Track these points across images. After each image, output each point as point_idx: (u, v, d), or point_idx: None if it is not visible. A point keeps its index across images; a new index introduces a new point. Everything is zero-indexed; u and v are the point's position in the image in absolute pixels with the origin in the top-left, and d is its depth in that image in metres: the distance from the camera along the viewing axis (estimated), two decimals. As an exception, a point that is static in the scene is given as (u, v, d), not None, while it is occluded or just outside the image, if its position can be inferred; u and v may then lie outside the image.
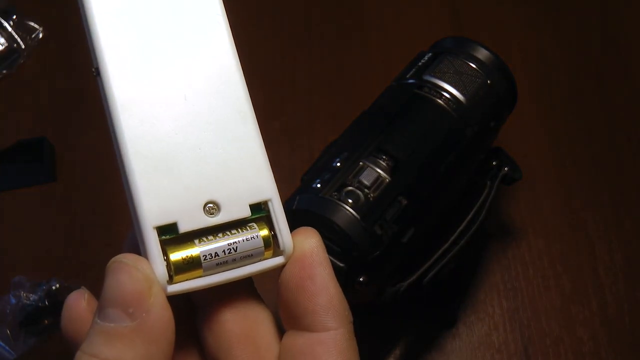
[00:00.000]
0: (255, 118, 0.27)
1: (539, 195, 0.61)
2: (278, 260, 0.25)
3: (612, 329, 0.55)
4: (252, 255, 0.25)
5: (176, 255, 0.23)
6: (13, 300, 0.55)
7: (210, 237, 0.24)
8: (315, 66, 0.68)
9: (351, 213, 0.42)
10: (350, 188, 0.43)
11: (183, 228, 0.24)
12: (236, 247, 0.24)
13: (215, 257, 0.24)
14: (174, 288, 0.23)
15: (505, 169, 0.51)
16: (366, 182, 0.43)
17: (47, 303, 0.55)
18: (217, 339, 0.26)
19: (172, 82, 0.25)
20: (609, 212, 0.60)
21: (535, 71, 0.67)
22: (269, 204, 0.25)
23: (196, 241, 0.24)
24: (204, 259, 0.24)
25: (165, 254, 0.23)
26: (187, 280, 0.24)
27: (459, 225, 0.49)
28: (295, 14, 0.71)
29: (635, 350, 0.55)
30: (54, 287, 0.55)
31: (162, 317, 0.23)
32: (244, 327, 0.26)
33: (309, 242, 0.25)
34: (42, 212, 0.62)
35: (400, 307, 0.53)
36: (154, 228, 0.23)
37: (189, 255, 0.24)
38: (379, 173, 0.44)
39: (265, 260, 0.25)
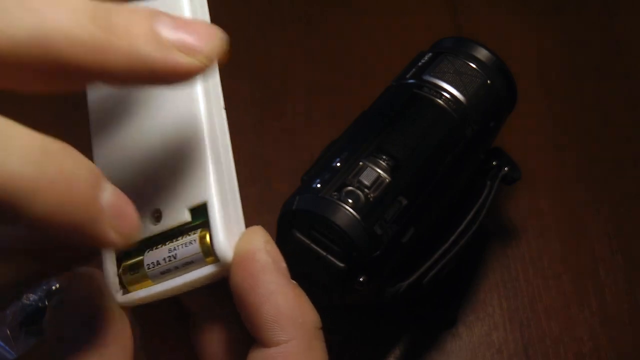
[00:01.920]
0: (207, 128, 0.26)
1: (539, 195, 0.61)
2: (212, 268, 0.23)
3: (612, 329, 0.55)
4: (192, 262, 0.23)
5: (126, 266, 0.24)
6: (13, 300, 0.55)
7: (156, 246, 0.24)
8: (316, 66, 0.68)
9: (351, 213, 0.42)
10: (350, 188, 0.43)
11: None
12: (176, 254, 0.23)
13: (157, 265, 0.23)
14: (124, 298, 0.24)
15: (505, 169, 0.51)
16: (366, 182, 0.43)
17: (47, 303, 0.55)
18: (201, 351, 0.25)
19: (139, 129, 0.26)
20: (609, 212, 0.60)
21: (535, 71, 0.67)
22: (207, 206, 0.24)
23: (146, 251, 0.24)
24: (148, 268, 0.24)
25: (119, 266, 0.24)
26: (139, 290, 0.24)
27: (459, 225, 0.49)
28: (295, 14, 0.71)
29: (635, 350, 0.55)
30: (54, 287, 0.55)
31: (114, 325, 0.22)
32: (225, 339, 0.25)
33: (250, 245, 0.23)
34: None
35: (400, 307, 0.53)
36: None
37: (135, 263, 0.24)
38: (379, 173, 0.44)
39: (205, 268, 0.23)
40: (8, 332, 0.54)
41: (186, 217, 0.24)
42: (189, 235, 0.24)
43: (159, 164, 0.25)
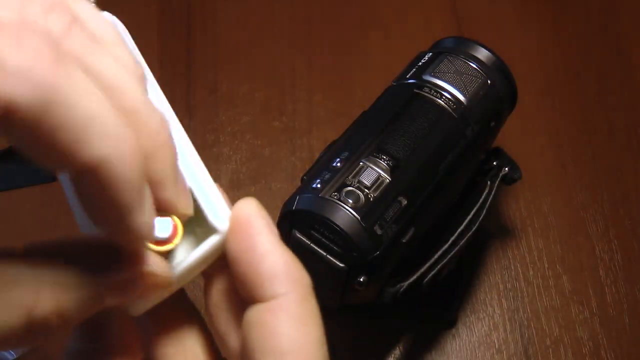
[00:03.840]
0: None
1: (539, 195, 0.61)
2: (212, 240, 0.24)
3: (612, 329, 0.55)
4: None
5: None
6: (13, 300, 0.55)
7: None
8: (316, 66, 0.68)
9: (351, 213, 0.42)
10: (350, 188, 0.43)
11: None
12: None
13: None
14: None
15: (505, 169, 0.51)
16: (366, 182, 0.43)
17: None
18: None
19: None
20: (609, 212, 0.60)
21: (535, 71, 0.67)
22: (192, 193, 0.25)
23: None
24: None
25: None
26: None
27: (459, 225, 0.49)
28: (295, 13, 0.71)
29: (635, 350, 0.55)
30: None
31: None
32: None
33: (244, 212, 0.24)
34: (42, 212, 0.62)
35: (400, 307, 0.53)
36: None
37: None
38: (379, 173, 0.44)
39: (206, 241, 0.24)
40: (8, 332, 0.54)
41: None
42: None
43: None
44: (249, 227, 0.24)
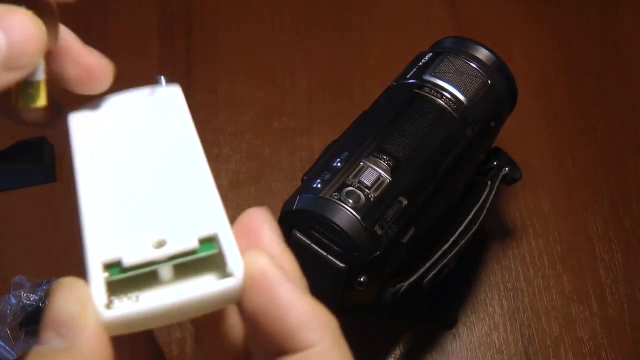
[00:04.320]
0: (205, 158, 0.26)
1: (539, 195, 0.61)
2: (230, 281, 0.23)
3: (612, 329, 0.55)
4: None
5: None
6: (13, 300, 0.55)
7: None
8: (315, 66, 0.68)
9: (351, 213, 0.42)
10: (350, 188, 0.43)
11: (127, 262, 0.23)
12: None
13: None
14: (111, 314, 0.22)
15: (505, 169, 0.51)
16: (366, 182, 0.43)
17: (47, 303, 0.55)
18: None
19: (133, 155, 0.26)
20: (609, 212, 0.60)
21: (535, 71, 0.67)
22: (218, 237, 0.24)
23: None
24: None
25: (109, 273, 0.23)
26: (130, 303, 0.22)
27: (459, 225, 0.49)
28: (295, 13, 0.71)
29: (635, 350, 0.55)
30: (54, 287, 0.55)
31: (95, 339, 0.21)
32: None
33: (258, 265, 0.23)
34: (42, 212, 0.62)
35: (400, 307, 0.53)
36: (99, 263, 0.23)
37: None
38: (379, 173, 0.44)
39: (217, 282, 0.23)
40: (8, 332, 0.54)
41: (194, 244, 0.23)
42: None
43: (159, 192, 0.25)
44: (265, 280, 0.23)
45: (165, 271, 0.23)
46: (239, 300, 0.23)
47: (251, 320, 0.23)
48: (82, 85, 0.27)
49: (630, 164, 0.63)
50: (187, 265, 0.23)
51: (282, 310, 0.22)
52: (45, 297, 0.55)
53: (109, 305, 0.22)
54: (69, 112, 0.28)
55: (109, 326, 0.22)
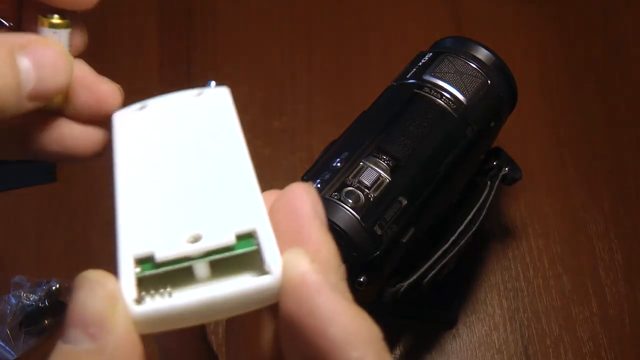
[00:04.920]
0: (249, 156, 0.25)
1: (539, 195, 0.61)
2: (266, 279, 0.21)
3: (612, 329, 0.55)
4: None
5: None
6: (13, 300, 0.55)
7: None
8: (315, 66, 0.68)
9: (351, 213, 0.42)
10: (350, 188, 0.43)
11: (160, 257, 0.22)
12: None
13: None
14: (142, 310, 0.21)
15: (506, 169, 0.51)
16: (366, 182, 0.43)
17: (47, 303, 0.55)
18: None
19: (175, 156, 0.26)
20: (609, 212, 0.60)
21: (535, 71, 0.67)
22: (257, 233, 0.22)
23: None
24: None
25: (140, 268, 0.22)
26: (162, 299, 0.21)
27: (459, 225, 0.49)
28: (295, 13, 0.71)
29: (635, 350, 0.55)
30: (54, 287, 0.55)
31: (126, 338, 0.20)
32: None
33: (298, 270, 0.21)
34: (42, 212, 0.62)
35: (400, 307, 0.53)
36: (131, 256, 0.22)
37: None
38: (379, 173, 0.44)
39: (253, 279, 0.21)
40: (8, 332, 0.54)
41: (231, 239, 0.22)
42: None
43: (199, 189, 0.24)
44: (305, 288, 0.21)
45: (200, 268, 0.22)
46: (276, 300, 0.22)
47: (288, 328, 0.21)
48: (90, 111, 0.28)
49: (630, 164, 0.63)
50: (224, 262, 0.22)
51: (322, 323, 0.21)
52: (45, 297, 0.55)
53: (139, 301, 0.21)
54: (115, 112, 0.28)
55: (139, 323, 0.21)
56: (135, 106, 0.28)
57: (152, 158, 0.25)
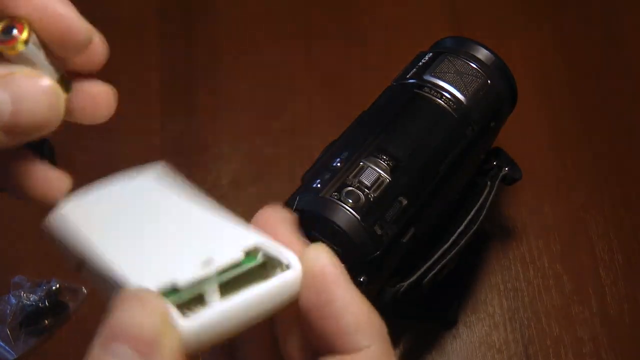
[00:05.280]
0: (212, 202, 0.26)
1: (539, 195, 0.61)
2: (289, 273, 0.23)
3: (612, 329, 0.55)
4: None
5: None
6: (13, 300, 0.55)
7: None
8: (315, 66, 0.68)
9: (351, 213, 0.42)
10: (350, 188, 0.43)
11: (183, 282, 0.22)
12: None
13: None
14: (190, 322, 0.21)
15: (506, 169, 0.51)
16: (366, 182, 0.43)
17: (47, 303, 0.55)
18: None
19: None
20: (609, 212, 0.60)
21: (535, 71, 0.67)
22: (259, 244, 0.24)
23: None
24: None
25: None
26: (205, 310, 0.22)
27: (459, 225, 0.49)
28: (295, 13, 0.71)
29: (635, 350, 0.55)
30: (54, 287, 0.55)
31: (178, 358, 0.21)
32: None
33: (320, 262, 0.24)
34: (42, 212, 0.62)
35: (400, 307, 0.53)
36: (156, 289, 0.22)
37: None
38: (379, 173, 0.44)
39: (278, 276, 0.23)
40: (8, 332, 0.54)
41: (240, 256, 0.24)
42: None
43: (187, 235, 0.25)
44: (326, 277, 0.23)
45: (215, 288, 0.23)
46: (297, 294, 0.23)
47: (305, 315, 0.23)
48: (85, 114, 0.27)
49: (630, 164, 0.63)
50: (236, 281, 0.23)
51: (338, 312, 0.23)
52: (45, 297, 0.55)
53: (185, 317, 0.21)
54: (57, 211, 0.28)
55: (188, 339, 0.21)
56: (77, 196, 0.29)
57: (128, 229, 0.26)
